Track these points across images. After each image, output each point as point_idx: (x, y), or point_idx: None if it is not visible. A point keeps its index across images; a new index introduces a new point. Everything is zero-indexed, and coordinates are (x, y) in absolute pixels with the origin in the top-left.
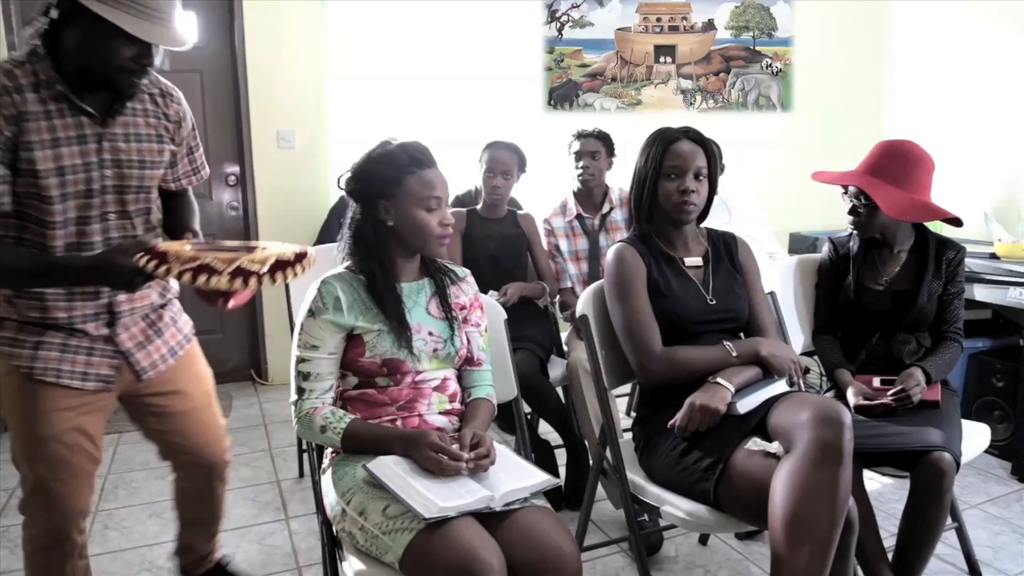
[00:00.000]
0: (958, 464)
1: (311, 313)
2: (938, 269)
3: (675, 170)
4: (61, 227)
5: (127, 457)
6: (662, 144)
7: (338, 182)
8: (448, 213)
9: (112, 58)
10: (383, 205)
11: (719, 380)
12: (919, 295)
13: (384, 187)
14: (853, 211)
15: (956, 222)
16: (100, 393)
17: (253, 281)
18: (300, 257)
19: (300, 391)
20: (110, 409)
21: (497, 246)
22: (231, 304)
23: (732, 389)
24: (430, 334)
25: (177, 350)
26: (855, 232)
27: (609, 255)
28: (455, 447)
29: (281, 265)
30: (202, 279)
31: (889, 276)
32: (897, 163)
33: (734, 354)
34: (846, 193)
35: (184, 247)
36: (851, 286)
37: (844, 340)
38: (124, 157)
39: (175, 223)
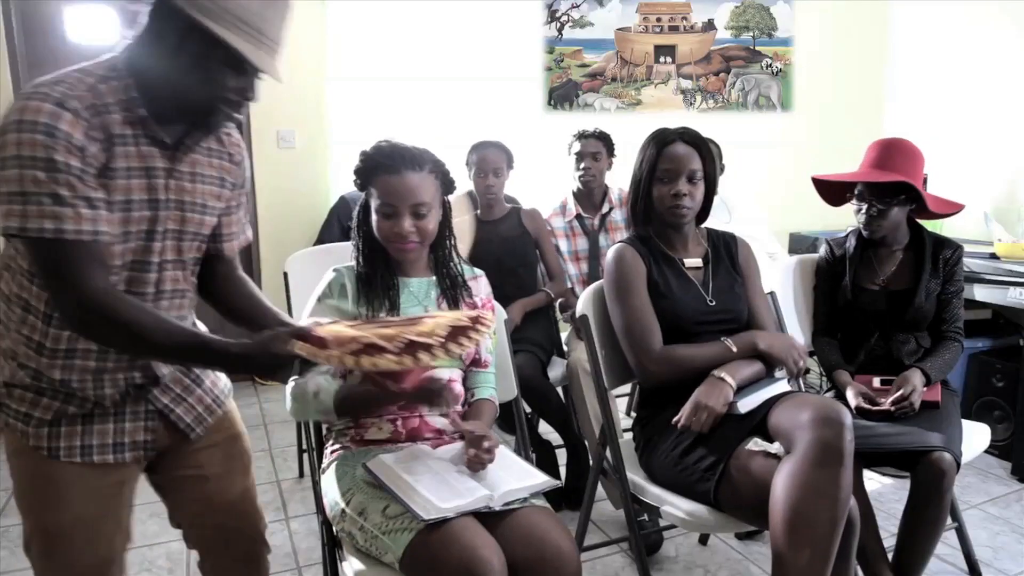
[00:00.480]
0: (958, 464)
1: (318, 299)
2: (935, 268)
3: (668, 174)
4: (115, 272)
5: None
6: (656, 147)
7: None
8: (408, 224)
9: (218, 87)
10: (370, 202)
11: (722, 375)
12: (916, 294)
13: (362, 186)
14: (868, 211)
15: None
16: (134, 465)
17: (425, 356)
18: (476, 320)
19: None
20: (138, 477)
21: (499, 248)
22: (403, 387)
23: (734, 385)
24: None
25: (222, 400)
26: (864, 232)
27: (609, 255)
28: (459, 444)
29: (457, 332)
30: (366, 361)
31: (885, 276)
32: (905, 159)
33: (733, 350)
34: (850, 195)
35: (340, 328)
36: (848, 287)
37: (843, 341)
38: (187, 198)
39: (245, 308)
